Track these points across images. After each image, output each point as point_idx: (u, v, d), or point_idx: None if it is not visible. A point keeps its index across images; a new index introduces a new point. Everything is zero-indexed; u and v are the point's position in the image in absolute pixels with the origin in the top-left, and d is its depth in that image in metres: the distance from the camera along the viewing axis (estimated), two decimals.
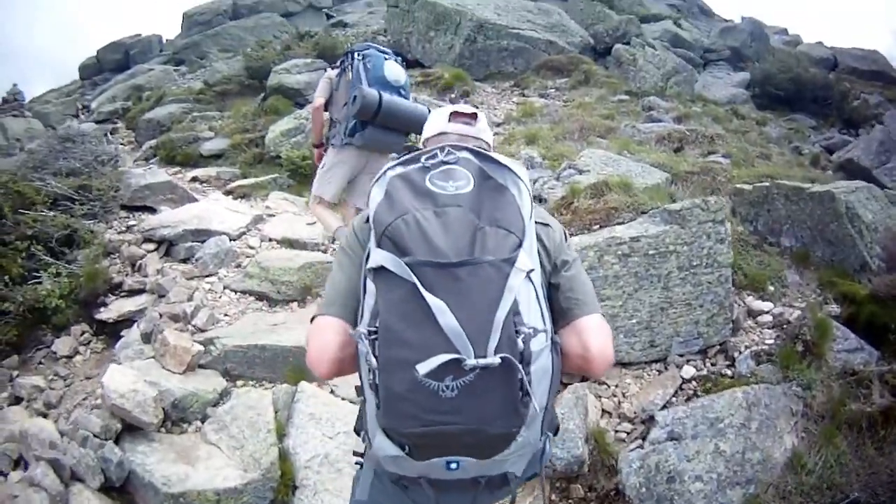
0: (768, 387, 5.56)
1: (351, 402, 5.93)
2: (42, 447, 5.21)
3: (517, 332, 2.03)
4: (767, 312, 6.64)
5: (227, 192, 11.41)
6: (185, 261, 8.26)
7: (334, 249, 7.68)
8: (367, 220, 2.37)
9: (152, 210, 9.62)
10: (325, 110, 7.26)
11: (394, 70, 6.75)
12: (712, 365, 6.20)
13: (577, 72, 17.41)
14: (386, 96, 6.42)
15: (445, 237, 2.09)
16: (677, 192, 8.53)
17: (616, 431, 5.72)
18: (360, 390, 2.30)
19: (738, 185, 8.43)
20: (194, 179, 12.38)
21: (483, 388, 1.98)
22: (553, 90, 16.41)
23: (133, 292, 7.56)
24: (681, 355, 6.27)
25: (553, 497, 5.26)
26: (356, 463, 2.68)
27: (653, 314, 6.19)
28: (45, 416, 6.06)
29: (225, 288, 7.75)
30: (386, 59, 6.76)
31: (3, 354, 6.88)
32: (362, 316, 2.19)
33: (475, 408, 2.00)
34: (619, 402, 5.99)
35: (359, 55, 6.71)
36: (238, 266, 8.23)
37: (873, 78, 23.19)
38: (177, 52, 33.35)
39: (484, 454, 2.13)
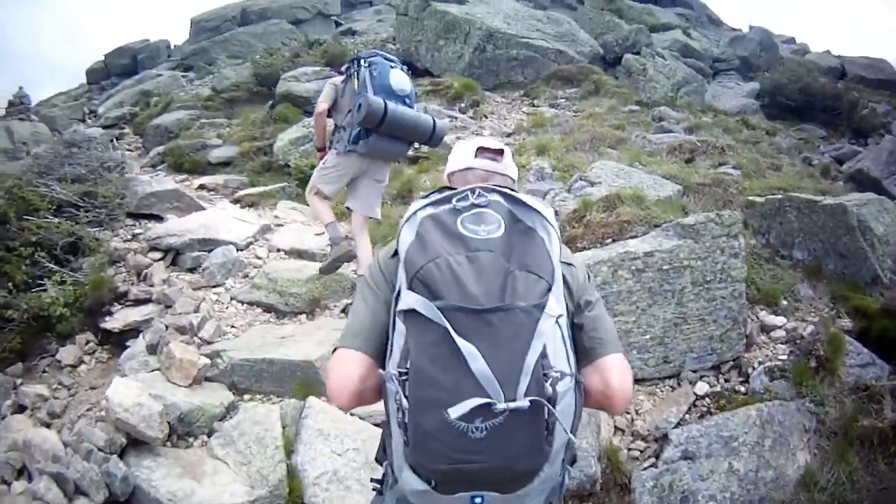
0: (782, 403, 5.52)
1: (360, 418, 5.83)
2: (45, 459, 5.16)
3: (545, 375, 2.06)
4: (781, 327, 6.55)
5: (235, 201, 11.36)
6: (191, 270, 8.21)
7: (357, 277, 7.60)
8: (394, 255, 2.39)
9: (159, 218, 9.54)
10: (329, 116, 7.28)
11: (399, 79, 6.78)
12: (726, 381, 6.13)
13: (587, 81, 17.28)
14: (391, 105, 6.44)
15: (477, 283, 2.10)
16: (689, 204, 8.48)
17: (629, 450, 5.64)
18: (385, 425, 2.32)
19: (750, 198, 8.34)
20: (202, 187, 12.34)
21: (511, 429, 2.00)
22: (563, 100, 16.29)
23: (139, 302, 7.48)
24: (694, 371, 6.19)
25: None
26: (373, 489, 2.69)
27: (666, 330, 6.11)
28: (48, 425, 5.99)
29: (232, 299, 7.71)
30: (392, 67, 6.80)
31: (7, 362, 6.82)
32: (391, 355, 2.22)
33: (503, 448, 2.01)
34: (633, 420, 5.90)
35: (365, 62, 6.74)
36: (245, 277, 8.19)
37: (881, 87, 23.01)
38: (185, 57, 33.37)
39: (508, 489, 2.14)
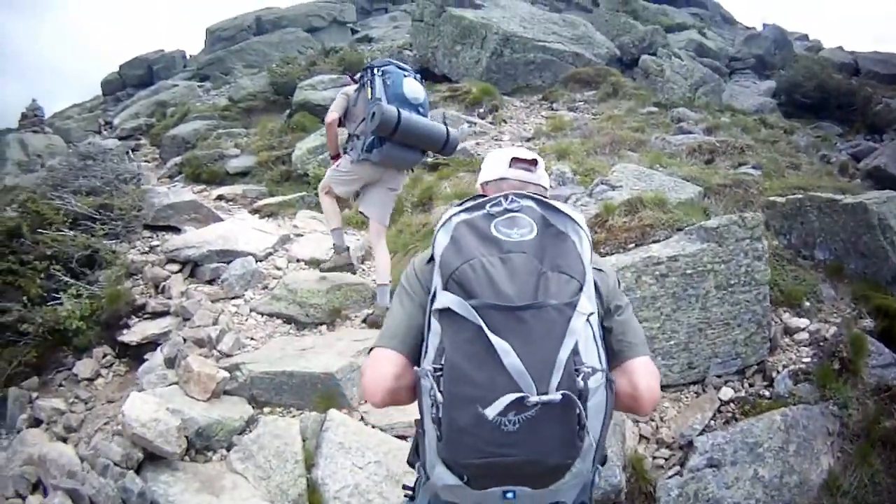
0: (806, 407, 5.46)
1: (381, 430, 5.75)
2: (61, 474, 5.10)
3: (577, 370, 2.10)
4: (804, 329, 6.44)
5: (254, 211, 11.38)
6: (210, 282, 8.16)
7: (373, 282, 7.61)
8: (429, 262, 2.48)
9: (176, 230, 9.53)
10: (341, 125, 7.32)
11: (413, 87, 6.80)
12: (750, 386, 6.04)
13: (605, 84, 17.17)
14: (404, 113, 6.46)
15: (511, 283, 2.16)
16: (710, 205, 8.40)
17: (654, 458, 5.56)
18: (419, 423, 2.37)
19: (770, 198, 8.23)
20: (220, 198, 12.36)
21: (543, 422, 2.05)
22: (582, 103, 16.18)
23: (157, 314, 7.45)
24: (718, 376, 6.10)
25: None
26: (405, 496, 2.75)
27: (691, 335, 6.01)
28: (64, 439, 5.97)
29: (251, 311, 7.64)
30: (405, 76, 6.83)
31: (23, 376, 6.81)
32: (426, 354, 2.29)
33: (535, 441, 2.07)
34: (657, 427, 5.82)
35: (378, 71, 6.75)
36: (265, 288, 8.13)
37: (894, 82, 22.85)
38: (201, 67, 33.55)
39: (540, 484, 2.18)
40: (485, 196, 2.57)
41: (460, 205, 2.50)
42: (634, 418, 5.81)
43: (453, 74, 18.60)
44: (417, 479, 2.56)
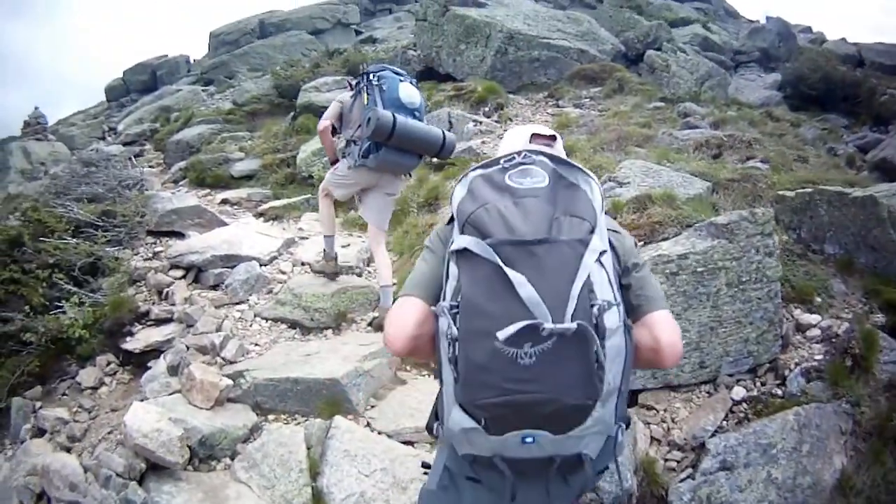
0: (819, 406, 5.35)
1: (388, 436, 5.68)
2: (64, 485, 5.10)
3: (591, 305, 2.13)
4: (815, 325, 6.36)
5: (259, 214, 11.36)
6: (214, 287, 8.10)
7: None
8: (449, 223, 2.56)
9: (180, 235, 9.49)
10: (336, 132, 7.40)
11: (409, 92, 6.84)
12: (762, 384, 5.93)
13: (610, 80, 17.13)
14: (400, 118, 6.51)
15: (524, 222, 2.21)
16: (719, 201, 8.30)
17: (666, 460, 5.46)
18: (437, 373, 2.44)
19: (779, 192, 8.14)
20: (224, 202, 12.32)
21: (560, 355, 2.06)
22: (587, 99, 16.13)
23: (160, 321, 7.40)
24: (730, 375, 6.00)
25: None
26: (424, 474, 2.90)
27: (702, 334, 5.90)
28: (68, 449, 5.92)
29: (255, 316, 7.57)
30: (401, 80, 6.88)
31: (26, 386, 6.78)
32: (444, 297, 2.33)
33: (553, 375, 2.08)
34: (669, 429, 5.71)
35: (374, 77, 6.80)
36: (269, 292, 8.06)
37: None
38: (205, 72, 33.64)
39: (560, 428, 2.18)
40: None
41: (478, 165, 2.55)
42: (645, 419, 5.75)
43: (458, 73, 18.55)
44: (438, 431, 2.58)
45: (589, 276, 2.14)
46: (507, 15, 19.02)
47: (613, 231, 2.59)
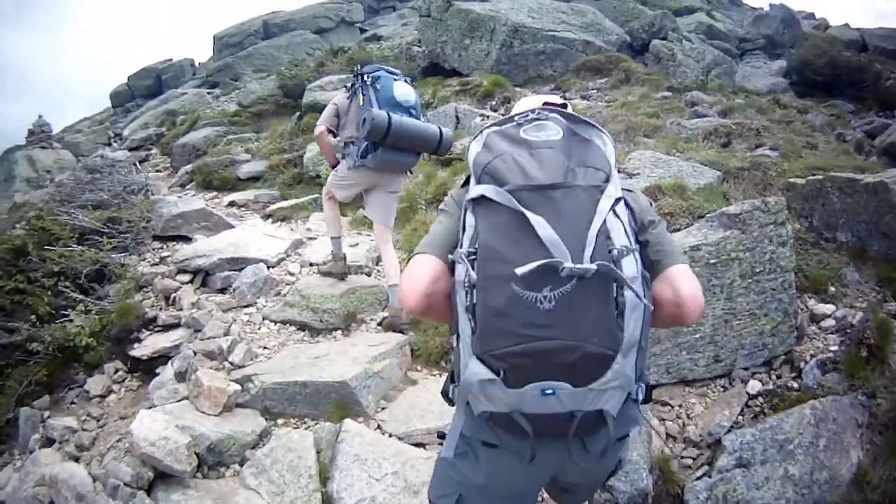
0: (835, 399, 5.27)
1: (399, 438, 5.59)
2: (72, 495, 5.04)
3: (609, 250, 2.16)
4: (830, 315, 6.31)
5: (267, 216, 11.31)
6: (221, 291, 8.03)
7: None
8: (464, 185, 2.58)
9: (187, 239, 9.46)
10: (334, 134, 7.45)
11: (403, 90, 6.92)
12: (778, 377, 5.86)
13: (616, 70, 17.15)
14: (395, 117, 6.57)
15: (540, 170, 2.25)
16: (730, 190, 8.28)
17: (681, 458, 5.39)
18: (453, 328, 2.41)
19: (790, 180, 8.06)
20: (232, 204, 12.29)
21: (580, 300, 2.09)
22: (594, 91, 16.12)
23: (168, 327, 7.34)
24: (745, 369, 5.93)
25: None
26: (439, 444, 2.90)
27: (716, 327, 5.85)
28: (77, 458, 5.85)
29: (264, 319, 7.50)
30: (395, 79, 6.95)
31: (34, 395, 6.75)
32: (462, 246, 2.33)
33: (572, 321, 2.09)
34: (684, 425, 5.65)
35: (368, 77, 6.88)
36: (277, 295, 8.00)
37: None
38: (210, 74, 33.66)
39: (580, 379, 2.18)
40: None
41: (492, 122, 2.59)
42: (660, 415, 5.70)
43: (463, 68, 18.55)
44: (455, 388, 2.55)
45: (605, 223, 2.17)
46: (511, 8, 19.05)
47: (628, 190, 2.57)
